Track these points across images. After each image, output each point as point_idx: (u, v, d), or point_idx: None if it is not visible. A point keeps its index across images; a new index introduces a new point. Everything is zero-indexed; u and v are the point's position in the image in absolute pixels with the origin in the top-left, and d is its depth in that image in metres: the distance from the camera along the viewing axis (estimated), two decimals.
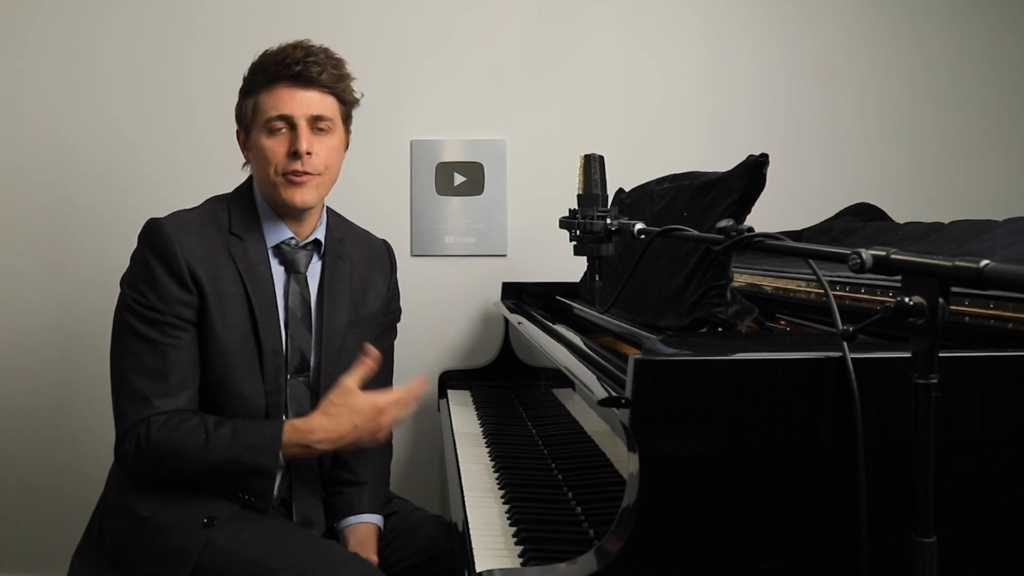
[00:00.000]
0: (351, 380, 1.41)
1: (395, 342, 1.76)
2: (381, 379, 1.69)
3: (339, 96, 1.52)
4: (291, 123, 1.46)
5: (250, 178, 1.58)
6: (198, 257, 1.43)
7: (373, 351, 1.44)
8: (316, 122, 1.48)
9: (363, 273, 1.64)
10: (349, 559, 1.36)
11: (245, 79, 1.53)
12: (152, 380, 1.39)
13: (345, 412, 1.40)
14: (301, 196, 1.47)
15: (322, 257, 1.58)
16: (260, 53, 1.52)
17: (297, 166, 1.46)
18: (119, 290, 1.48)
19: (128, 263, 1.49)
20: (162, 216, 1.47)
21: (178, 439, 1.36)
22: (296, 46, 1.49)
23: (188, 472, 1.38)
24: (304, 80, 1.47)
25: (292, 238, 1.53)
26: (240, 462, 1.37)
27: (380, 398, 1.41)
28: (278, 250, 1.53)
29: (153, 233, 1.44)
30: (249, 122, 1.51)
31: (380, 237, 1.74)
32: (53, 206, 2.48)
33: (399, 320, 1.76)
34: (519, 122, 2.51)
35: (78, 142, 2.47)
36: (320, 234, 1.57)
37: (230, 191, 1.58)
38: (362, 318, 1.61)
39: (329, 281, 1.57)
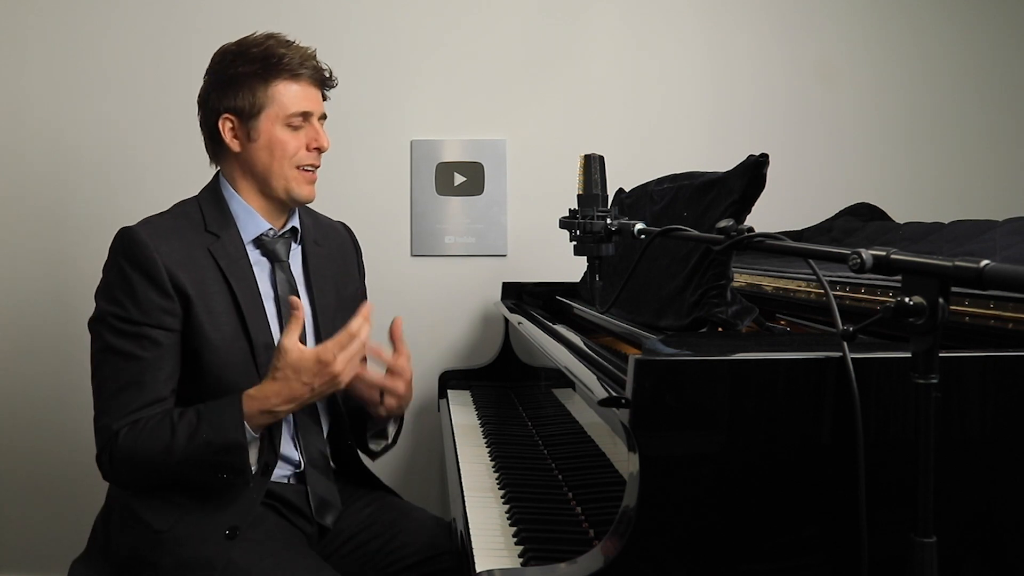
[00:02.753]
0: (286, 339, 1.35)
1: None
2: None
3: (325, 99, 1.59)
4: (308, 119, 1.52)
5: (215, 176, 1.57)
6: (177, 261, 1.41)
7: (295, 301, 1.37)
8: (321, 120, 1.55)
9: (338, 257, 1.67)
10: None
11: (246, 64, 1.49)
12: (127, 395, 1.37)
13: (290, 372, 1.34)
14: (311, 191, 1.54)
15: (301, 244, 1.60)
16: (259, 42, 1.50)
17: (316, 161, 1.53)
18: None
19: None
20: (133, 224, 1.44)
21: (144, 438, 1.35)
22: (292, 42, 1.53)
23: (164, 467, 1.35)
24: (319, 79, 1.54)
25: (271, 229, 1.55)
26: (210, 443, 1.34)
27: (320, 350, 1.34)
28: (259, 242, 1.53)
29: (128, 242, 1.41)
30: (256, 111, 1.49)
31: (338, 220, 1.76)
32: (53, 205, 2.48)
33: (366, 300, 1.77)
34: (519, 122, 2.51)
35: (78, 141, 2.47)
36: (295, 222, 1.59)
37: (196, 193, 1.57)
38: (344, 301, 1.63)
39: (313, 267, 1.59)
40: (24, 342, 2.49)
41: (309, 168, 1.52)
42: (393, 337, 1.52)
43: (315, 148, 1.52)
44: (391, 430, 1.66)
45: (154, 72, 2.47)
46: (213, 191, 1.55)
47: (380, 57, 2.48)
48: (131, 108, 2.47)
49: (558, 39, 2.51)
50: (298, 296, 1.55)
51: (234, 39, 1.56)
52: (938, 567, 0.76)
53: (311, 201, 1.55)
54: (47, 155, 2.48)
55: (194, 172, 2.30)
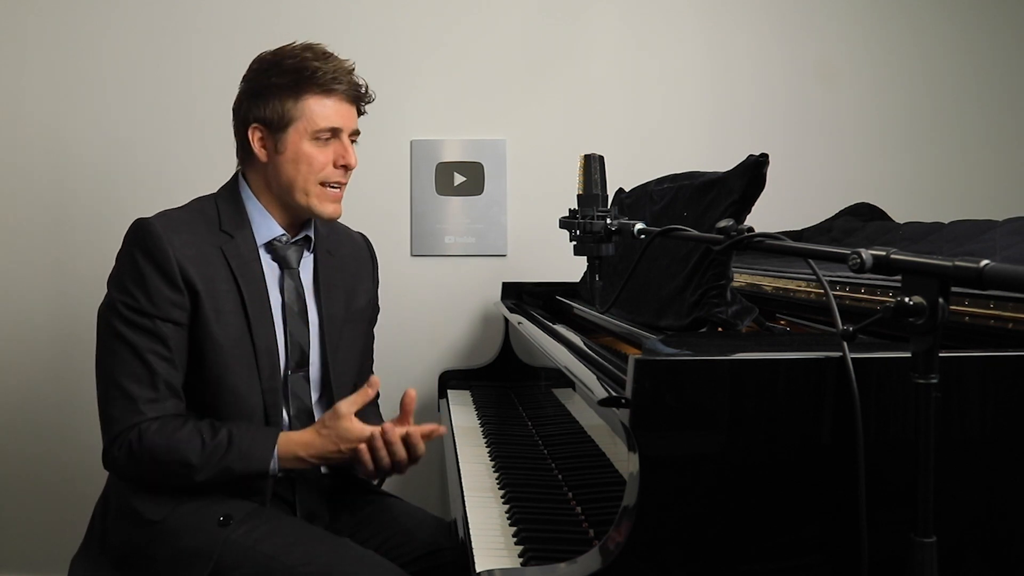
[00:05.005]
0: (345, 405, 1.40)
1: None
2: (363, 374, 1.69)
3: (360, 113, 1.58)
4: (337, 135, 1.50)
5: (235, 176, 1.57)
6: (189, 256, 1.42)
7: (375, 381, 1.44)
8: (352, 136, 1.54)
9: (351, 268, 1.66)
10: (366, 557, 1.36)
11: (279, 75, 1.48)
12: (140, 385, 1.38)
13: (333, 436, 1.40)
14: (335, 208, 1.53)
15: (313, 252, 1.60)
16: (295, 54, 1.48)
17: (342, 178, 1.52)
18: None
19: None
20: (149, 216, 1.45)
21: (172, 447, 1.36)
22: (331, 56, 1.51)
23: (180, 478, 1.37)
24: (353, 96, 1.52)
25: (283, 234, 1.55)
26: (233, 471, 1.38)
27: (368, 434, 1.39)
28: (270, 247, 1.54)
29: (142, 232, 1.43)
30: (285, 123, 1.48)
31: (357, 231, 1.76)
32: (53, 206, 2.48)
33: (379, 313, 1.77)
34: (519, 122, 2.51)
35: (78, 142, 2.47)
36: (309, 230, 1.59)
37: (215, 191, 1.57)
38: (354, 313, 1.62)
39: (323, 276, 1.59)
40: (23, 342, 2.48)
41: (335, 185, 1.51)
42: (404, 409, 1.45)
43: (342, 165, 1.51)
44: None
45: (154, 72, 2.47)
46: (231, 191, 1.55)
47: (380, 57, 2.48)
48: (131, 108, 2.47)
49: (558, 39, 2.51)
50: (305, 304, 1.55)
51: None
52: (938, 567, 0.76)
53: (336, 218, 1.54)
54: (47, 155, 2.48)
55: (194, 171, 2.31)
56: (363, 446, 1.39)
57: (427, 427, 1.43)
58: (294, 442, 1.41)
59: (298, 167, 1.48)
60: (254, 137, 1.51)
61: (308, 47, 1.51)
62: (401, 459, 1.41)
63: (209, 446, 1.37)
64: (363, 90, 1.54)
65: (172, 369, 1.41)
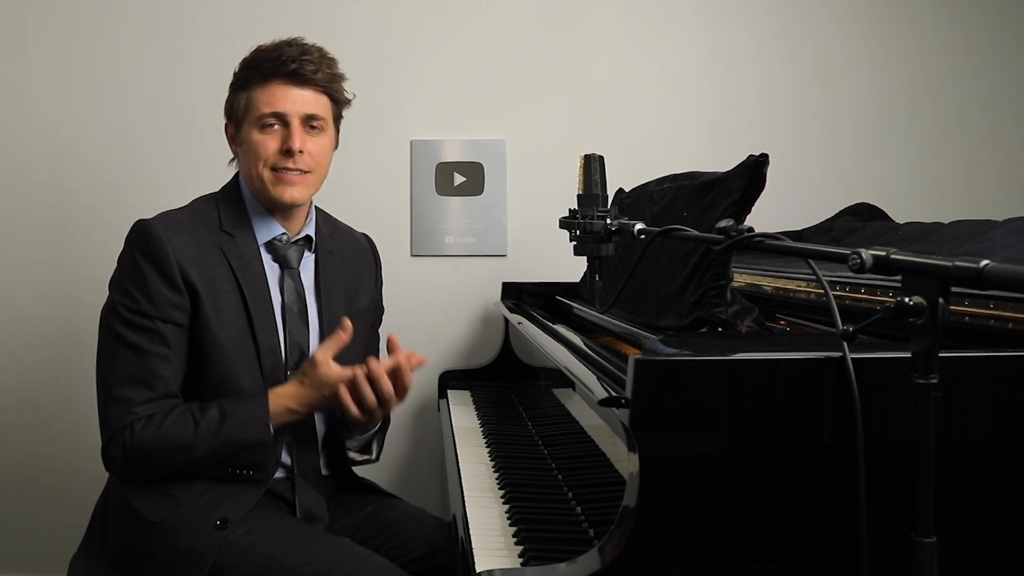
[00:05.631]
0: (320, 353, 1.42)
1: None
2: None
3: (332, 96, 1.54)
4: (284, 121, 1.48)
5: (236, 175, 1.58)
6: (189, 257, 1.43)
7: (347, 324, 1.45)
8: (309, 121, 1.50)
9: (353, 269, 1.66)
10: (365, 557, 1.36)
11: (237, 73, 1.53)
12: (137, 387, 1.39)
13: (314, 382, 1.42)
14: (291, 193, 1.50)
15: (314, 252, 1.59)
16: (253, 49, 1.52)
17: (289, 163, 1.48)
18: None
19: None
20: (150, 217, 1.46)
21: (165, 432, 1.37)
22: (290, 43, 1.50)
23: (182, 461, 1.38)
24: (299, 78, 1.48)
25: (284, 234, 1.55)
26: (234, 440, 1.39)
27: (347, 376, 1.42)
28: (270, 246, 1.54)
29: (142, 234, 1.43)
30: (240, 117, 1.51)
31: (361, 232, 1.76)
32: (53, 206, 2.48)
33: (383, 313, 1.78)
34: (519, 122, 2.51)
35: (78, 142, 2.47)
36: (310, 230, 1.59)
37: (217, 190, 1.58)
38: (355, 313, 1.62)
39: (324, 276, 1.59)
40: (23, 342, 2.48)
41: (284, 170, 1.48)
42: (392, 351, 1.48)
43: (286, 150, 1.47)
44: (374, 447, 1.65)
45: (154, 72, 2.47)
46: (232, 191, 1.56)
47: (380, 57, 2.48)
48: (131, 108, 2.47)
49: (558, 39, 2.51)
50: (305, 304, 1.55)
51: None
52: (938, 567, 0.76)
53: (294, 204, 1.51)
54: (47, 155, 2.48)
55: (194, 171, 2.31)
56: (342, 387, 1.41)
57: (405, 353, 1.44)
58: (282, 396, 1.43)
59: (249, 156, 1.49)
60: (227, 133, 1.56)
61: (275, 43, 1.50)
62: (388, 394, 1.42)
63: (202, 423, 1.38)
64: (316, 72, 1.48)
65: (171, 370, 1.41)
